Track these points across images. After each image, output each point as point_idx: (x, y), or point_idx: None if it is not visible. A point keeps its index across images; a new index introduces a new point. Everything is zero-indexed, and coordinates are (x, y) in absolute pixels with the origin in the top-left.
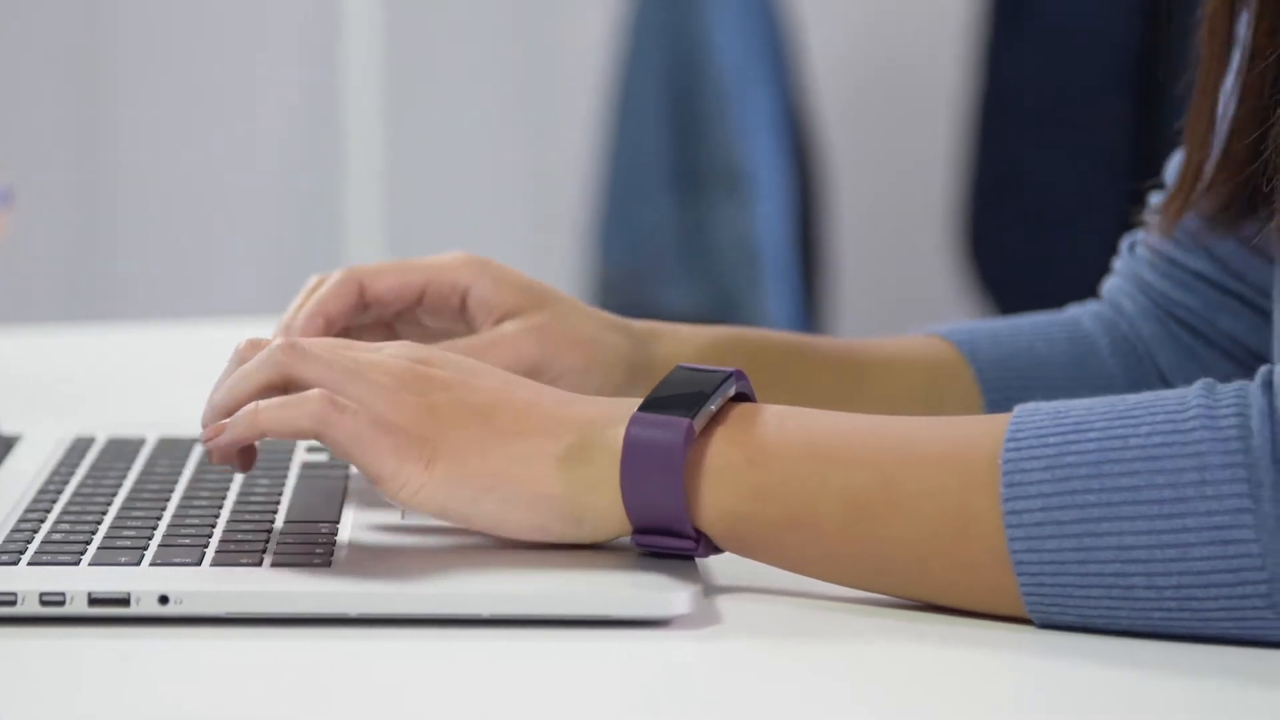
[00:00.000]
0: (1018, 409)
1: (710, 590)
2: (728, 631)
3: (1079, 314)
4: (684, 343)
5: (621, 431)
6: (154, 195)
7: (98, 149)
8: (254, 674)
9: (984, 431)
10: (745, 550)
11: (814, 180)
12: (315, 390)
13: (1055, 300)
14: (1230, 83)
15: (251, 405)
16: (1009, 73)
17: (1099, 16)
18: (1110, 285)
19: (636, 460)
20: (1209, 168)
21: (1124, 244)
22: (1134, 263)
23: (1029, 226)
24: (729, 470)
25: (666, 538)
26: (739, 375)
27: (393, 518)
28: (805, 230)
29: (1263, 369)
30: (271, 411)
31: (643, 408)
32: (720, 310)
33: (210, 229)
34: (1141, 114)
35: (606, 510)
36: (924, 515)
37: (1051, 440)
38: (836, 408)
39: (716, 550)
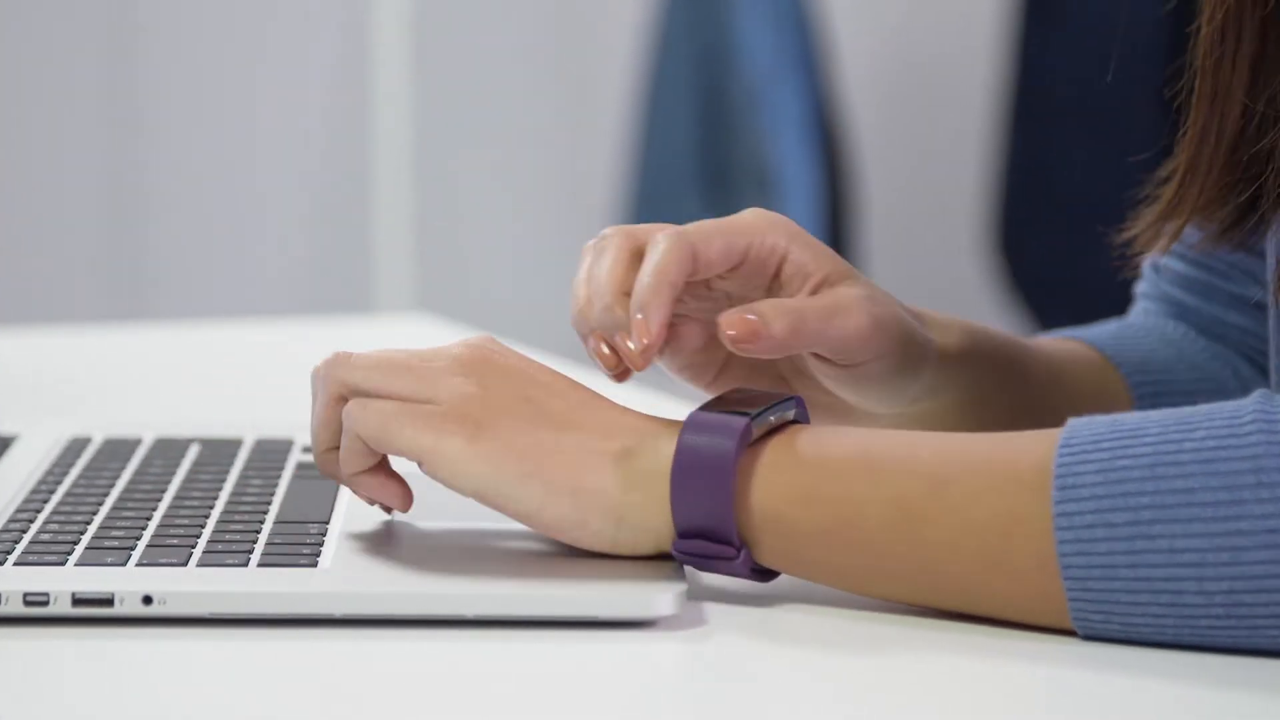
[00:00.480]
0: (1071, 420)
1: (698, 593)
2: (713, 633)
3: (1137, 318)
4: (949, 327)
5: (676, 437)
6: (182, 195)
7: (126, 148)
8: (238, 675)
9: (1037, 440)
10: (788, 561)
11: (844, 178)
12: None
13: (1086, 300)
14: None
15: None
16: (1041, 69)
17: (1131, 12)
18: (1146, 310)
19: (690, 455)
20: (1210, 180)
21: (1147, 265)
22: (1165, 285)
23: (1061, 225)
24: (777, 473)
25: (708, 543)
26: (799, 401)
27: (384, 517)
28: (835, 229)
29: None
30: (342, 463)
31: (702, 409)
32: None
33: (237, 228)
34: (1174, 111)
35: (649, 512)
36: (972, 519)
37: (1106, 444)
38: (1043, 412)
39: (759, 570)
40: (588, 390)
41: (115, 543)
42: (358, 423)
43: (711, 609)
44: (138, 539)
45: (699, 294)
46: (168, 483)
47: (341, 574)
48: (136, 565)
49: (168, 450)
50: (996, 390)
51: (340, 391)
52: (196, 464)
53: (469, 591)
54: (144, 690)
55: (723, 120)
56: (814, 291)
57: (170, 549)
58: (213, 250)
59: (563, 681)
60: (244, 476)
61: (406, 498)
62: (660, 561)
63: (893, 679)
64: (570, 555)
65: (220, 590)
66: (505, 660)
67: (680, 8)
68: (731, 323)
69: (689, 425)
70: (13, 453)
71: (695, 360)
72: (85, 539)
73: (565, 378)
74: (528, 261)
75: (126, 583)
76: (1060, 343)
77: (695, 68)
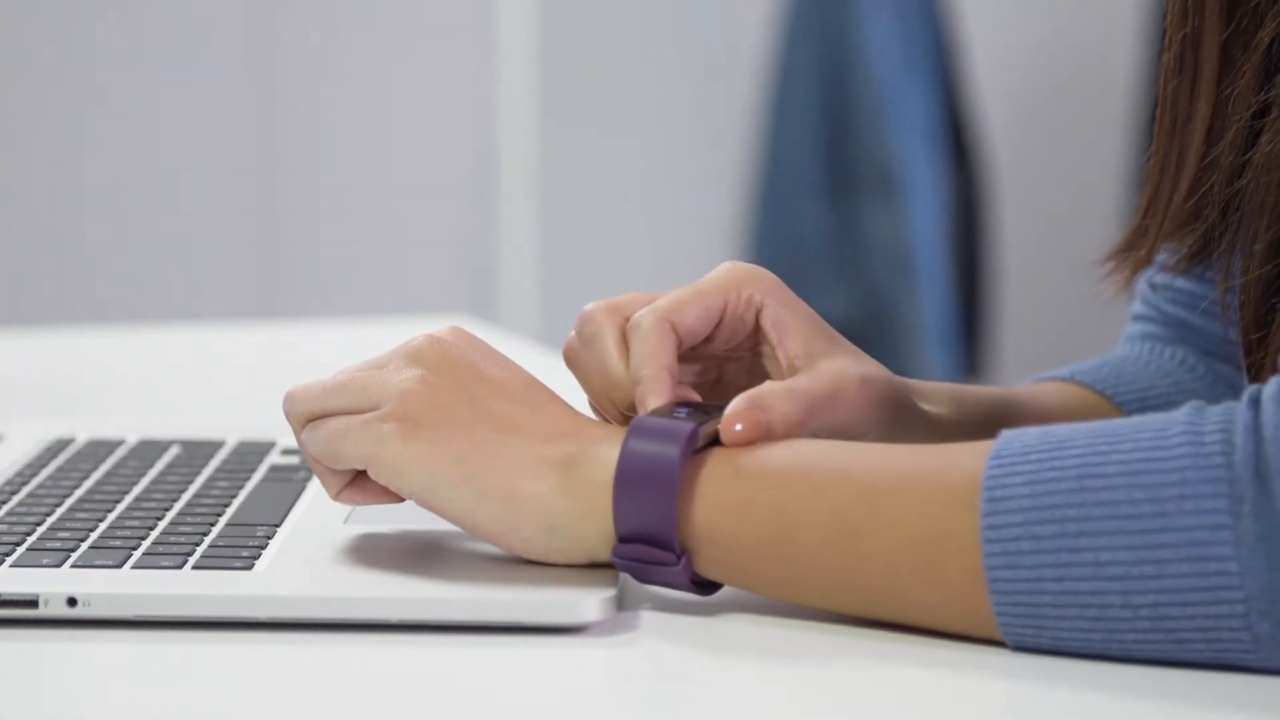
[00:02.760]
0: (1004, 431)
1: (635, 602)
2: (642, 640)
3: (1154, 354)
4: (936, 399)
5: (619, 444)
6: (324, 196)
7: (270, 151)
8: (156, 677)
9: (970, 452)
10: (726, 571)
11: (974, 184)
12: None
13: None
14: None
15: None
16: None
17: None
18: (1145, 332)
19: (634, 459)
20: (1175, 207)
21: (1143, 283)
22: (1162, 302)
23: None
24: (716, 483)
25: (649, 548)
26: None
27: (337, 522)
28: (964, 235)
29: (1251, 387)
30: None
31: (648, 415)
32: (870, 315)
33: (372, 228)
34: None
35: (583, 521)
36: (904, 532)
37: (1035, 457)
38: None
39: (700, 582)
40: (542, 391)
41: (58, 544)
42: (308, 448)
43: (646, 617)
44: (83, 540)
45: (685, 358)
46: (133, 484)
47: (272, 578)
48: (71, 567)
49: (146, 452)
50: None
51: (300, 425)
52: (170, 465)
53: (394, 596)
54: (60, 693)
55: (846, 123)
56: (796, 352)
57: (111, 551)
58: (349, 249)
59: (482, 687)
60: (212, 478)
61: (396, 495)
62: (598, 569)
63: (822, 689)
64: (511, 561)
65: (144, 593)
66: (426, 665)
67: (805, 9)
68: (739, 417)
69: (634, 430)
70: None
71: None
72: (31, 540)
73: (520, 377)
74: (652, 264)
75: (52, 584)
76: (1055, 388)
77: (819, 70)
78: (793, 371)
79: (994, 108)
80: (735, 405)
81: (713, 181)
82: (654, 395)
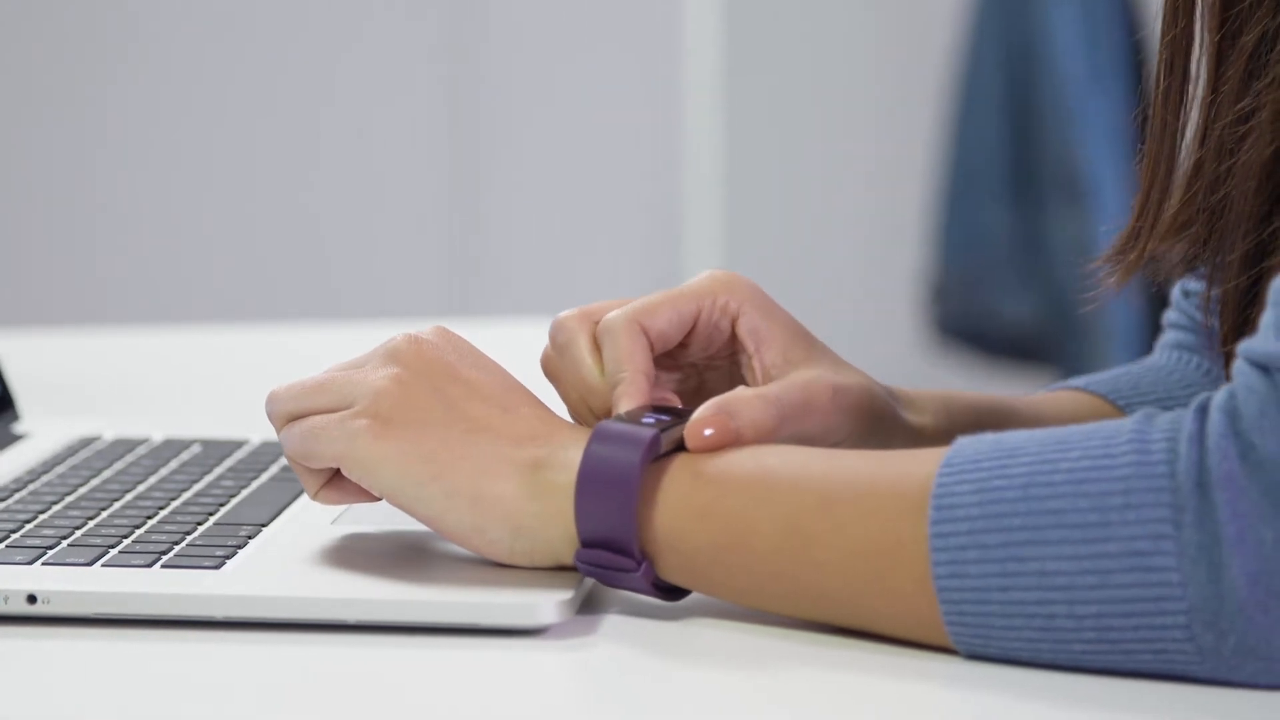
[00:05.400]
0: (959, 438)
1: (600, 606)
2: (599, 643)
3: (1181, 363)
4: (922, 408)
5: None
6: (510, 199)
7: (467, 153)
8: (111, 676)
9: (923, 459)
10: (688, 577)
11: None
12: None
13: None
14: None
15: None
16: None
17: None
18: (1177, 340)
19: (595, 464)
20: (1165, 212)
21: (1176, 290)
22: (1193, 309)
23: None
24: (677, 488)
25: (610, 554)
26: None
27: (324, 523)
28: None
29: (1201, 395)
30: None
31: (612, 419)
32: (1055, 318)
33: (564, 226)
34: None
35: (548, 524)
36: (856, 540)
37: (985, 464)
38: None
39: (667, 589)
40: (518, 393)
41: (39, 541)
42: (286, 447)
43: (608, 620)
44: (66, 538)
45: (664, 365)
46: (138, 483)
47: (237, 578)
48: (43, 564)
49: (164, 451)
50: None
51: (280, 424)
52: (184, 464)
53: (351, 597)
54: (12, 690)
55: (1032, 126)
56: (772, 359)
57: (86, 548)
58: (543, 247)
59: (433, 689)
60: (219, 478)
61: (372, 494)
62: (563, 572)
63: (773, 695)
64: (478, 564)
65: (103, 591)
66: (381, 665)
67: (992, 10)
68: (708, 422)
69: (596, 435)
70: (12, 450)
71: None
72: (15, 536)
73: (498, 379)
74: (836, 265)
75: (14, 581)
76: (1065, 397)
77: (1005, 68)
78: (767, 380)
79: None
80: (703, 411)
81: (897, 182)
82: (629, 399)
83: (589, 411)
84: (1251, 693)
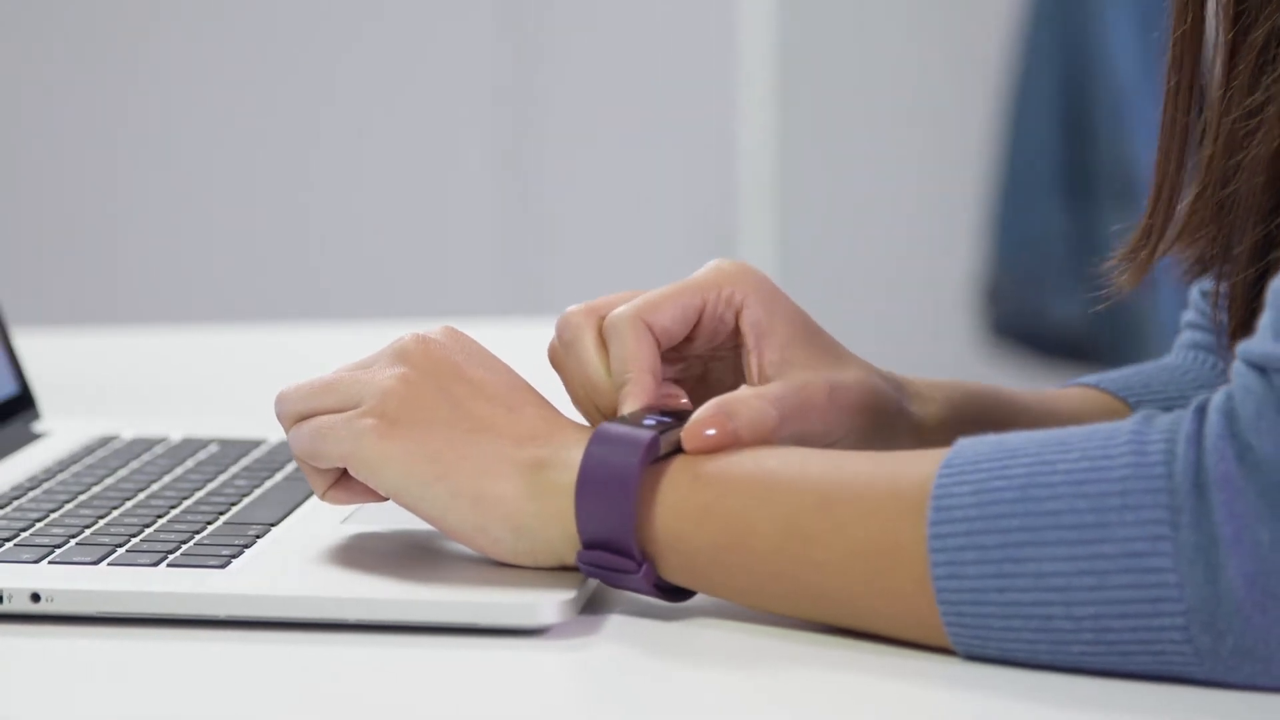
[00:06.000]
0: (960, 439)
1: (606, 607)
2: (599, 644)
3: (1197, 364)
4: (930, 396)
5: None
6: (568, 197)
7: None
8: (113, 675)
9: (922, 460)
10: (688, 577)
11: None
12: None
13: None
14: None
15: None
16: None
17: None
18: (1193, 340)
19: (595, 466)
20: (1177, 209)
21: (1195, 291)
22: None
23: None
24: (677, 489)
25: (610, 555)
26: None
27: (334, 523)
28: None
29: (1200, 396)
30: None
31: (613, 420)
32: (1108, 322)
33: (618, 230)
34: None
35: (548, 524)
36: (854, 540)
37: (984, 465)
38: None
39: (669, 589)
40: (524, 393)
41: (47, 540)
42: (294, 447)
43: (610, 620)
44: (75, 536)
45: (669, 357)
46: (153, 481)
47: (240, 578)
48: (50, 563)
49: (181, 450)
50: None
51: (289, 424)
52: (200, 464)
53: (352, 596)
54: (14, 688)
55: (1087, 126)
56: (776, 359)
57: (93, 547)
58: (595, 249)
59: (431, 688)
60: (233, 477)
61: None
62: (566, 572)
63: (771, 696)
64: (484, 564)
65: (106, 590)
66: (381, 664)
67: (1046, 11)
68: (707, 423)
69: (596, 437)
70: (31, 449)
71: None
72: (25, 535)
73: (504, 379)
74: (892, 266)
75: (18, 580)
76: (1076, 394)
77: (1060, 68)
78: (764, 379)
79: None
80: (702, 412)
81: (951, 184)
82: (634, 399)
83: (593, 408)
84: (1248, 694)
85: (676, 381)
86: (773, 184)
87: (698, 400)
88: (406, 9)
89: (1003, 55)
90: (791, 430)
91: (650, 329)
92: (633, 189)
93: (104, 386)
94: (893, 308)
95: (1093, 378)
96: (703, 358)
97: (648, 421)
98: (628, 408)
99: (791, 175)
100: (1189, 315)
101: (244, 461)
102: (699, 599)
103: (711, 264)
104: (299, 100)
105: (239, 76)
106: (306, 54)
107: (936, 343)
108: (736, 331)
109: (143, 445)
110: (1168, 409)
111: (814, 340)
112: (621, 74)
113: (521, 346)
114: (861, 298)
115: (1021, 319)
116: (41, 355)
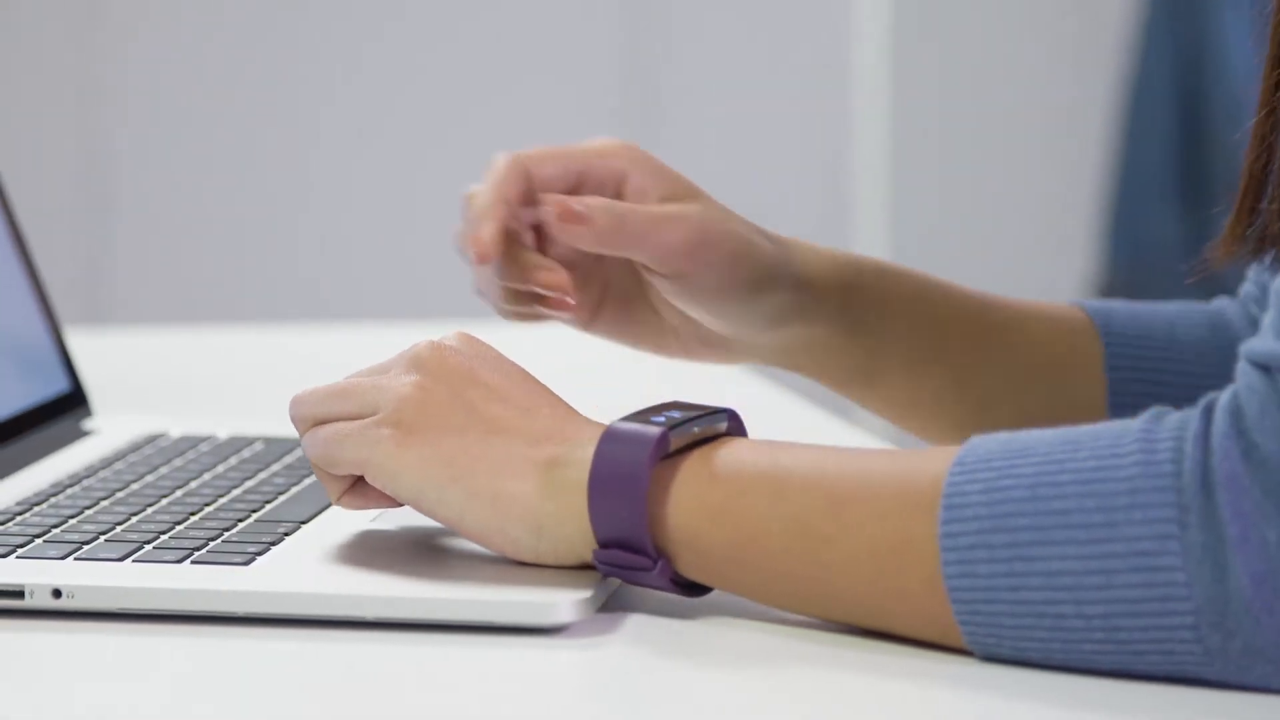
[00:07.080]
0: (973, 437)
1: (625, 605)
2: (614, 642)
3: (1224, 305)
4: (819, 255)
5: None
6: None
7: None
8: (131, 671)
9: (935, 457)
10: (704, 574)
11: None
12: None
13: None
14: None
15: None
16: None
17: None
18: (1246, 291)
19: (606, 464)
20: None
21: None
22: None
23: None
24: (690, 487)
25: (626, 553)
26: (732, 414)
27: (363, 521)
28: None
29: (1208, 394)
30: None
31: (625, 418)
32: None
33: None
34: None
35: (566, 522)
36: (866, 539)
37: (995, 463)
38: (961, 358)
39: (687, 585)
40: (539, 395)
41: (76, 536)
42: (308, 451)
43: (628, 619)
44: (105, 533)
45: (578, 283)
46: (192, 479)
47: (262, 575)
48: (75, 559)
49: (226, 448)
50: (889, 329)
51: (304, 429)
52: (243, 461)
53: (371, 594)
54: (46, 685)
55: (1203, 128)
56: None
57: (119, 544)
58: None
59: (448, 687)
60: (273, 475)
61: (394, 500)
62: (585, 571)
63: (786, 696)
64: (499, 562)
65: (127, 586)
66: (398, 662)
67: (1163, 9)
68: (558, 202)
69: (607, 435)
70: (78, 446)
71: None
72: (55, 533)
73: (519, 382)
74: (1004, 269)
75: (38, 576)
76: (1042, 304)
77: (1176, 72)
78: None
79: None
80: (558, 196)
81: (1066, 186)
82: (486, 219)
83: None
84: (1256, 697)
85: (580, 299)
86: (886, 186)
87: (608, 317)
88: (407, 9)
89: (1119, 59)
90: (653, 254)
91: (527, 172)
92: (743, 191)
93: (160, 385)
94: None
95: (1093, 302)
96: (603, 274)
97: (658, 419)
98: (483, 230)
99: (905, 179)
100: (1246, 287)
101: (286, 459)
102: (718, 596)
103: (603, 138)
104: (348, 103)
105: (305, 79)
106: (405, 55)
107: None
108: (619, 199)
109: (188, 443)
110: (1140, 341)
111: (697, 195)
112: (729, 75)
113: (534, 348)
114: None
115: None
116: (101, 354)
